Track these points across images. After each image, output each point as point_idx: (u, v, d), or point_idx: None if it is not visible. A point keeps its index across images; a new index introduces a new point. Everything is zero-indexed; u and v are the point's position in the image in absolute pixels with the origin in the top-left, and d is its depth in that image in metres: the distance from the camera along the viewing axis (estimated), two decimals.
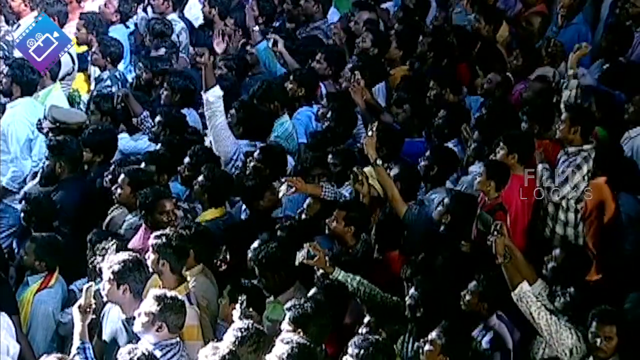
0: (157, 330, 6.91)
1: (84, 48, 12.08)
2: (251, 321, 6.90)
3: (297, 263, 7.58)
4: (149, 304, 6.95)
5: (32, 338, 8.11)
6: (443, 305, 7.16)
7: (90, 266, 8.17)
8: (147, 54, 11.97)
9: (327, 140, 9.22)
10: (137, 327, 6.96)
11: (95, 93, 11.31)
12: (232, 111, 9.70)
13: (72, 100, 11.48)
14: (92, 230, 8.65)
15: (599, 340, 6.70)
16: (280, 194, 8.37)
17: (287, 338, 6.50)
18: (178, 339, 6.99)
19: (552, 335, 6.95)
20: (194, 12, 12.61)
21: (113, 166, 9.33)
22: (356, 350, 6.55)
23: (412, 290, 7.20)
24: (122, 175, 8.91)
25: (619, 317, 6.80)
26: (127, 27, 12.68)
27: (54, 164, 9.54)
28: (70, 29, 12.02)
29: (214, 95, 9.49)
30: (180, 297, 7.10)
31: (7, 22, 12.64)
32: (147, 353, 6.52)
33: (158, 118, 9.86)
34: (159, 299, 6.90)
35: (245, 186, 8.75)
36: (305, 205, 8.41)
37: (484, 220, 7.99)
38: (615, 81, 9.13)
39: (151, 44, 11.81)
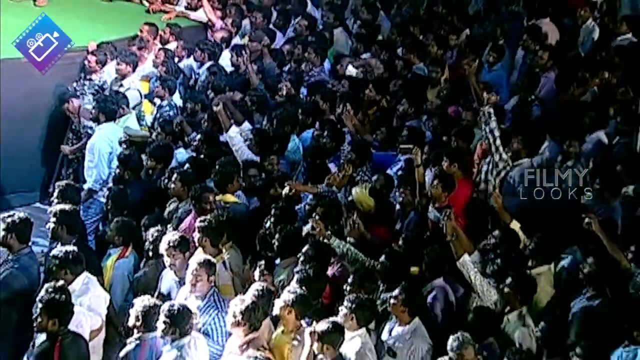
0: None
1: (148, 85, 12.70)
2: (265, 283, 7.92)
3: (303, 234, 8.54)
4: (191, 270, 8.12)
5: (113, 293, 8.87)
6: (404, 271, 8.14)
7: (148, 245, 9.03)
8: (191, 87, 12.78)
9: (321, 152, 10.40)
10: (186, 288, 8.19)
11: (158, 115, 12.08)
12: (250, 136, 10.55)
13: (139, 118, 12.03)
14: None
15: None
16: (284, 192, 9.41)
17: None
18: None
19: (483, 292, 7.92)
20: (226, 62, 13.08)
21: (167, 172, 10.10)
22: (350, 304, 7.45)
23: (381, 258, 8.07)
24: (175, 175, 9.76)
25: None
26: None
27: (123, 172, 10.53)
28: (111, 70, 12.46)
29: (233, 132, 10.51)
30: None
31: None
32: (184, 304, 7.63)
33: (198, 136, 10.95)
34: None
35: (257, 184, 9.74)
36: (308, 200, 9.27)
37: (433, 216, 9.06)
38: (524, 112, 10.63)
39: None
